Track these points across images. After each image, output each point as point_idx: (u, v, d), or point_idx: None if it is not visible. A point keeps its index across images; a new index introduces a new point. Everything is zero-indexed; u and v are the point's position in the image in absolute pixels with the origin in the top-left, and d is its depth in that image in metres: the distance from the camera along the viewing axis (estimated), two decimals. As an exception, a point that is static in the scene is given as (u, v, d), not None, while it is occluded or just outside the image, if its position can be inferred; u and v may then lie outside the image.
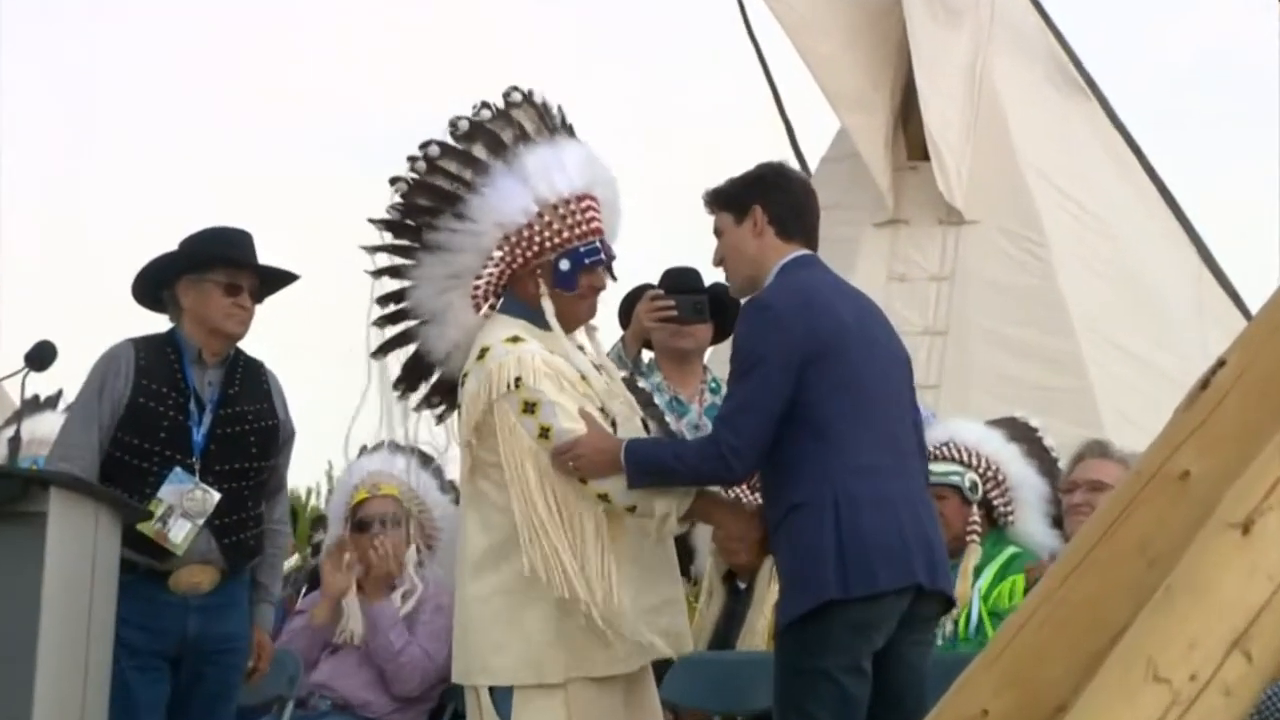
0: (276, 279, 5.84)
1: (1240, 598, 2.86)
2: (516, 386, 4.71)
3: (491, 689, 4.74)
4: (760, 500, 4.99)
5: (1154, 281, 9.05)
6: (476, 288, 4.88)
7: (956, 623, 5.97)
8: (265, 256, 5.80)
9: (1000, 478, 6.25)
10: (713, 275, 6.17)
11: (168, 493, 5.55)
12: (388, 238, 4.94)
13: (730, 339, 5.22)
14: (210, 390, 5.70)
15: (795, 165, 8.50)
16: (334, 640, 6.69)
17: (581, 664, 4.70)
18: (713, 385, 6.74)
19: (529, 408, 4.71)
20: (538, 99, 4.99)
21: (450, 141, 4.92)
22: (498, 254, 4.85)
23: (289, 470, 5.97)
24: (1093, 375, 8.42)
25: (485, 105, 4.95)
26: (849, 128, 9.04)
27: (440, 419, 5.05)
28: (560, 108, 5.02)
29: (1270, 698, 4.78)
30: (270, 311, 5.86)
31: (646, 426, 5.10)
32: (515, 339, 4.78)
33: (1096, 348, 8.56)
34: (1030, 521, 6.25)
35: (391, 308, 4.97)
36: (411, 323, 4.97)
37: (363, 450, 6.79)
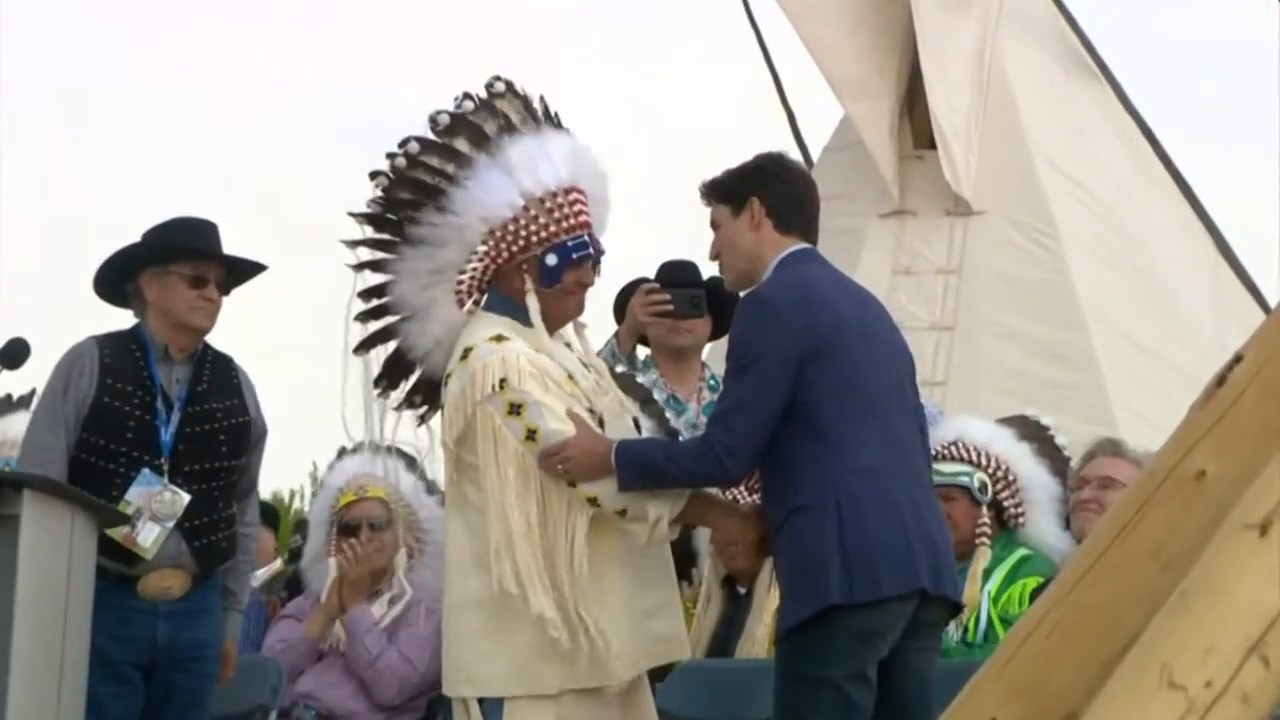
0: (244, 270, 5.81)
1: (1258, 601, 2.86)
2: (501, 388, 4.70)
3: (481, 700, 4.74)
4: (758, 501, 4.99)
5: (1169, 273, 9.03)
6: (460, 283, 4.87)
7: (965, 628, 5.96)
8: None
9: (1010, 477, 6.24)
10: (711, 269, 6.16)
11: (136, 495, 5.54)
12: (369, 232, 4.93)
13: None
14: (178, 388, 5.68)
15: (797, 154, 8.53)
16: (319, 647, 6.68)
17: (574, 674, 4.69)
18: (711, 383, 6.73)
19: (515, 409, 4.70)
20: (520, 89, 4.98)
21: (431, 136, 4.91)
22: (482, 248, 4.84)
23: (260, 470, 5.94)
24: (1105, 371, 8.40)
25: (467, 96, 4.93)
26: (853, 115, 9.02)
27: (422, 420, 5.05)
28: (543, 98, 5.01)
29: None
30: (255, 307, 5.86)
31: (637, 425, 5.08)
32: (500, 338, 4.77)
33: (1109, 342, 8.54)
34: (1041, 522, 6.24)
35: (374, 302, 4.96)
36: (393, 318, 4.96)
37: (343, 451, 6.78)
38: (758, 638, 6.03)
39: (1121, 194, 9.11)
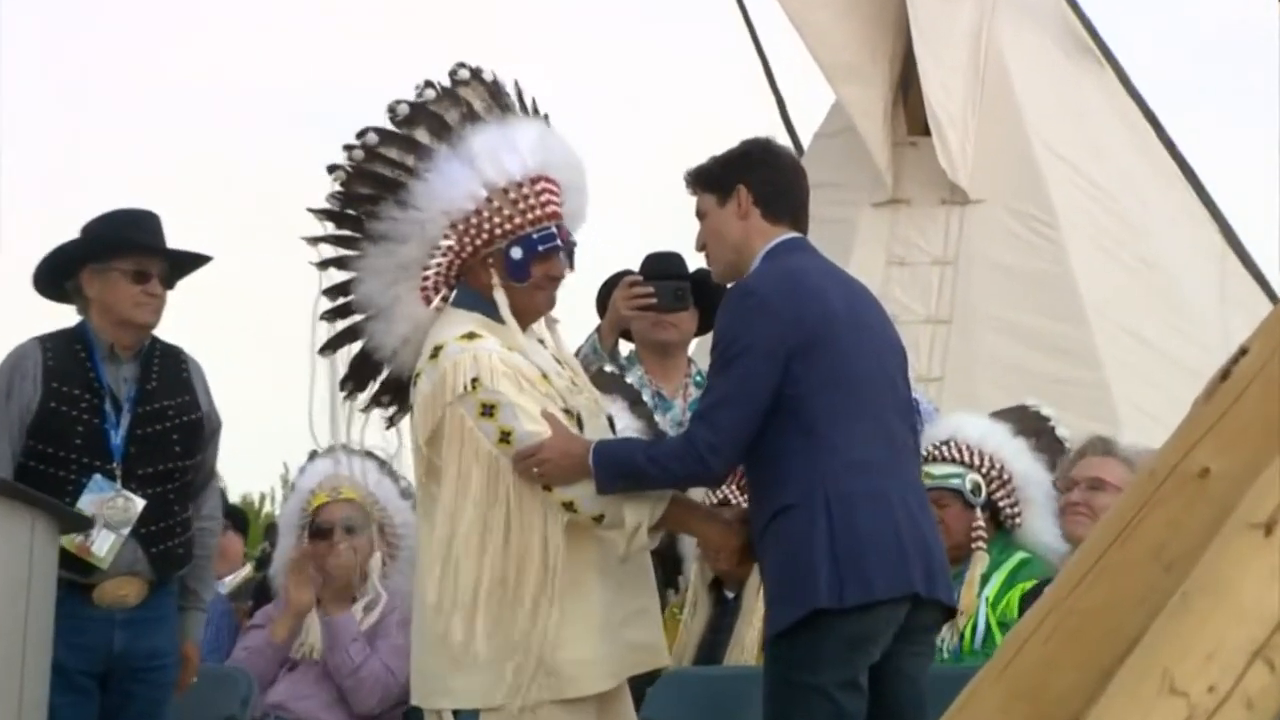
0: (187, 263, 5.78)
1: (1262, 603, 2.86)
2: (473, 388, 4.65)
3: (455, 712, 4.73)
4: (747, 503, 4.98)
5: (1173, 264, 9.04)
6: (425, 279, 4.82)
7: (962, 634, 5.95)
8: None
9: (1005, 476, 6.19)
10: (698, 260, 6.16)
11: (88, 503, 5.49)
12: (329, 228, 4.90)
13: (717, 329, 5.19)
14: (126, 387, 5.65)
15: (787, 141, 8.53)
16: (292, 655, 6.67)
17: (551, 684, 4.67)
18: (697, 379, 6.71)
19: (487, 410, 4.66)
20: (487, 75, 4.93)
21: (390, 127, 4.86)
22: (445, 243, 4.79)
23: (217, 461, 5.89)
24: (1107, 366, 8.41)
25: (429, 85, 4.87)
26: (845, 101, 9.02)
27: (391, 421, 5.01)
28: (517, 83, 4.98)
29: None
30: (226, 304, 5.84)
31: (612, 425, 5.05)
32: (470, 335, 4.72)
33: (1111, 336, 8.56)
34: (1039, 521, 6.19)
35: (339, 301, 4.93)
36: (358, 317, 4.91)
37: (313, 454, 6.76)
38: (747, 644, 6.02)
39: (1124, 182, 9.12)
